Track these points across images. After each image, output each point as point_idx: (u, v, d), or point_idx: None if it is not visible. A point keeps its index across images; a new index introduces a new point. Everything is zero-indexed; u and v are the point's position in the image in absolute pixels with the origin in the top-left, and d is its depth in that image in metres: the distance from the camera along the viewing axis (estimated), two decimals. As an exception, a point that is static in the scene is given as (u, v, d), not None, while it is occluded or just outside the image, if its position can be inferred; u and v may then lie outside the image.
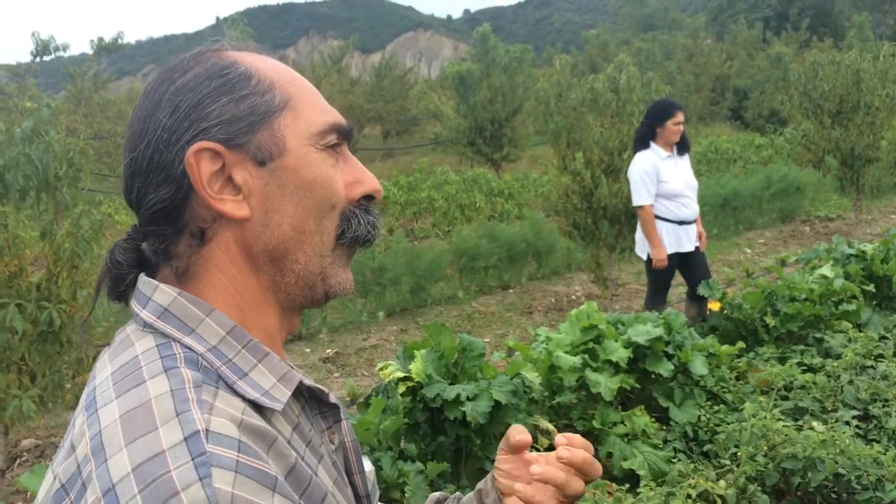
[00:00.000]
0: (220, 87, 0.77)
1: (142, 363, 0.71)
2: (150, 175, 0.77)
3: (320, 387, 0.84)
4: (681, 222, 5.17)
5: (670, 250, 5.14)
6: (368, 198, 0.84)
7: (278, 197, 0.78)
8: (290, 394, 0.76)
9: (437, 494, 1.09)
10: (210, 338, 0.74)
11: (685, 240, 5.20)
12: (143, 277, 0.78)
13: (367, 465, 0.96)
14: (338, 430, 0.87)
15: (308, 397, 0.84)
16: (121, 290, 0.81)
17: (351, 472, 0.91)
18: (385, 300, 8.01)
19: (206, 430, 0.64)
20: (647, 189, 5.09)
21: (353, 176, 0.83)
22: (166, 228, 0.78)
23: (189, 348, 0.73)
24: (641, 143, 5.22)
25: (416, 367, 3.29)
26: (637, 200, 5.12)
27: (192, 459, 0.62)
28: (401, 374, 3.33)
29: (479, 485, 1.02)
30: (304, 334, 7.33)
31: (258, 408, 0.73)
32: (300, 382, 0.79)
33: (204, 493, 0.60)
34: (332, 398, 0.87)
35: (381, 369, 3.52)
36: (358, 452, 0.93)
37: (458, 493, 1.21)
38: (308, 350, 6.93)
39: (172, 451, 0.62)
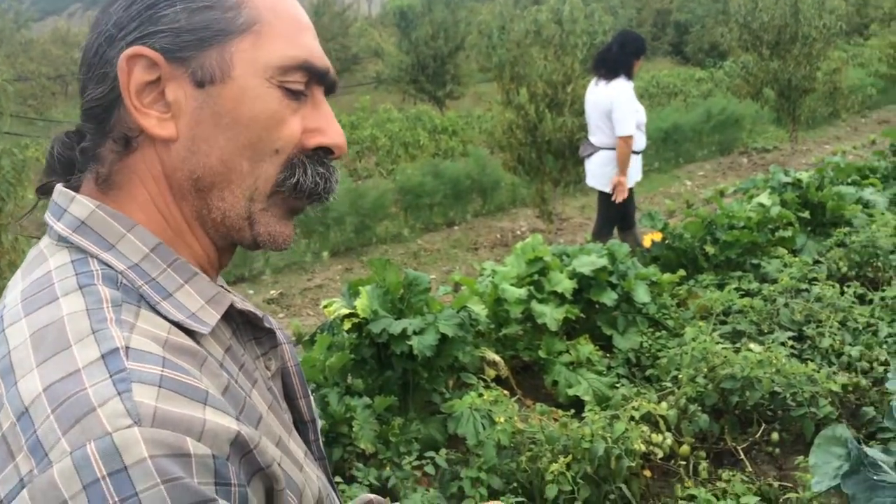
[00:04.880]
0: None
1: (54, 279, 0.66)
2: (92, 68, 0.72)
3: (254, 310, 0.79)
4: (640, 152, 5.20)
5: (635, 180, 5.19)
6: (327, 151, 0.76)
7: (210, 125, 0.70)
8: (218, 317, 0.72)
9: (366, 497, 1.03)
10: (131, 255, 0.69)
11: (640, 171, 5.29)
12: (59, 187, 0.72)
13: None
14: (275, 355, 0.83)
15: (241, 322, 0.79)
16: (46, 185, 0.76)
17: (294, 396, 0.87)
18: (329, 240, 7.93)
19: (127, 346, 0.60)
20: (633, 119, 5.01)
21: (317, 124, 0.75)
22: (96, 128, 0.72)
23: (108, 265, 0.68)
24: (623, 72, 5.04)
25: (362, 303, 3.26)
26: (627, 130, 4.96)
27: (111, 376, 0.57)
28: (346, 311, 3.29)
29: None
30: (248, 276, 7.23)
31: (186, 329, 0.68)
32: (231, 305, 0.75)
33: (123, 407, 0.56)
34: (269, 322, 0.82)
35: (325, 307, 3.48)
36: (302, 377, 0.89)
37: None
38: (251, 291, 6.84)
39: (88, 368, 0.58)
